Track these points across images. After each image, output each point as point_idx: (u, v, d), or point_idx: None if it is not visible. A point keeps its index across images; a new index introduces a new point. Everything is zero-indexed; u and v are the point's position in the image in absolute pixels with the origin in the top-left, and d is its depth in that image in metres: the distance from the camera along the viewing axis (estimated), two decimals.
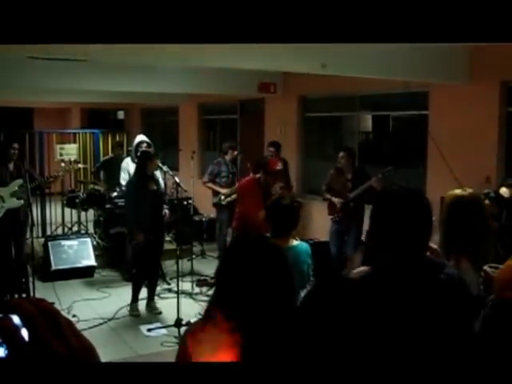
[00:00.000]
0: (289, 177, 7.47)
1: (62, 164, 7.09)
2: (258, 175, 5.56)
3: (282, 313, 1.53)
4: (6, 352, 0.61)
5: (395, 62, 5.33)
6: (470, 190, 2.83)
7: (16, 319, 0.62)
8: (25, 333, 0.61)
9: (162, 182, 6.15)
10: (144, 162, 5.64)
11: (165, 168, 5.88)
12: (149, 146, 6.54)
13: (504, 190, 3.00)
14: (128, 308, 5.70)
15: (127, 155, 7.64)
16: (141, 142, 6.55)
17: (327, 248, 6.44)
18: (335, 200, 6.14)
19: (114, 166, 8.01)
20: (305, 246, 3.42)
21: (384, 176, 5.87)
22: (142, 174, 5.60)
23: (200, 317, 1.79)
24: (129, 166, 6.76)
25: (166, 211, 5.86)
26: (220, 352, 1.51)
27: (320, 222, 7.61)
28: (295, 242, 3.40)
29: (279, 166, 5.78)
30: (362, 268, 2.27)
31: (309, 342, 1.18)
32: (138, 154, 6.17)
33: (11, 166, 5.91)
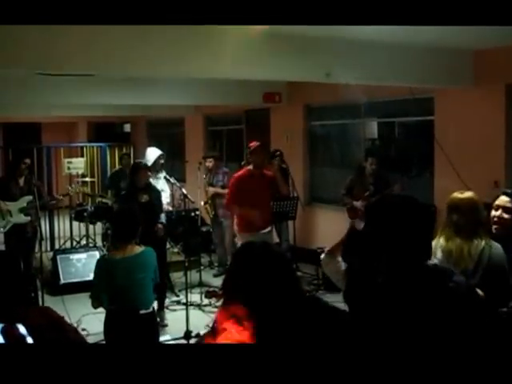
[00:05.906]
0: (288, 182, 7.37)
1: (72, 185, 7.19)
2: (248, 166, 5.68)
3: (289, 312, 1.60)
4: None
5: (399, 69, 5.32)
6: (469, 193, 2.82)
7: (22, 328, 0.61)
8: (30, 342, 0.61)
9: (164, 194, 6.08)
10: (132, 174, 5.61)
11: (172, 179, 5.90)
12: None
13: (505, 199, 2.94)
14: None
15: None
16: (161, 156, 6.68)
17: None
18: (357, 204, 6.02)
19: (121, 179, 8.04)
20: (151, 250, 3.78)
21: (408, 181, 5.80)
22: (132, 186, 5.58)
23: (209, 328, 1.82)
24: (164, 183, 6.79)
25: (160, 225, 5.56)
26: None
27: (326, 230, 7.57)
28: (142, 248, 3.73)
29: (256, 144, 5.85)
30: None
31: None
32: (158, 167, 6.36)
33: (21, 181, 5.94)
